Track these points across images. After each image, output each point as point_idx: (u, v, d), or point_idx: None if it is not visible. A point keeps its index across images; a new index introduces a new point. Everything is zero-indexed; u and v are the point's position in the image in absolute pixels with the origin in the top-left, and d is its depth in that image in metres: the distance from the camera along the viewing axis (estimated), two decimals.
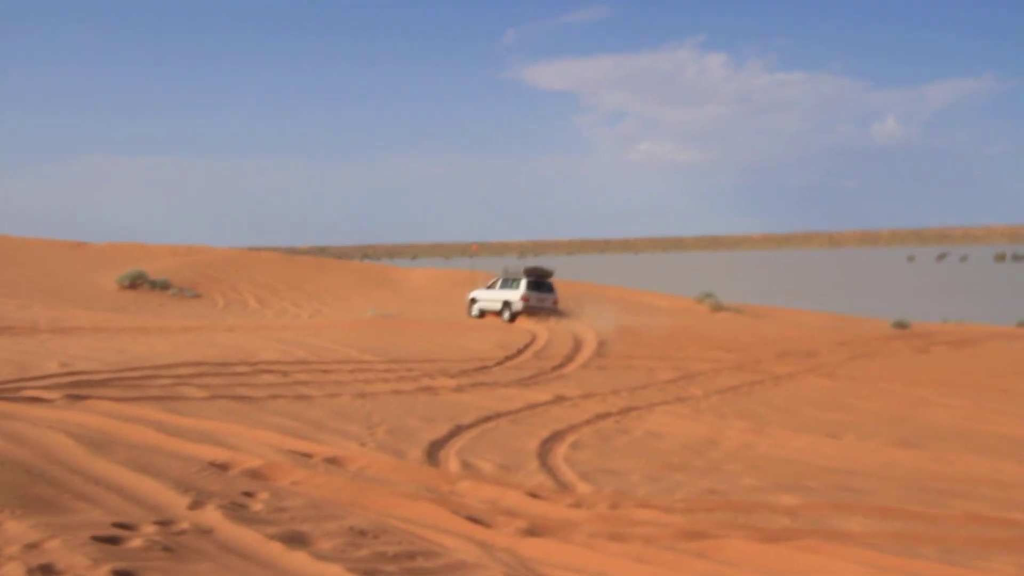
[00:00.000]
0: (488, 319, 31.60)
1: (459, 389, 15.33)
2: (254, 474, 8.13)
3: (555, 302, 31.91)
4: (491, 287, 32.72)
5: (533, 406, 14.22)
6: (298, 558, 5.49)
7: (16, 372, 14.14)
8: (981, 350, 27.46)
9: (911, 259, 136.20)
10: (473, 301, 33.15)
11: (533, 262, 58.19)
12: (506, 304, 31.33)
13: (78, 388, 12.55)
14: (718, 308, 40.66)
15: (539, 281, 31.84)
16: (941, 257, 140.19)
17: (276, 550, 5.64)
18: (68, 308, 32.88)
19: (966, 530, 8.24)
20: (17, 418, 9.92)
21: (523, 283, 31.36)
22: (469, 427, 12.13)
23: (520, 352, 20.93)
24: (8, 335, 23.00)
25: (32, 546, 4.93)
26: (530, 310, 30.81)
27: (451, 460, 10.12)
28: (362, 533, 6.38)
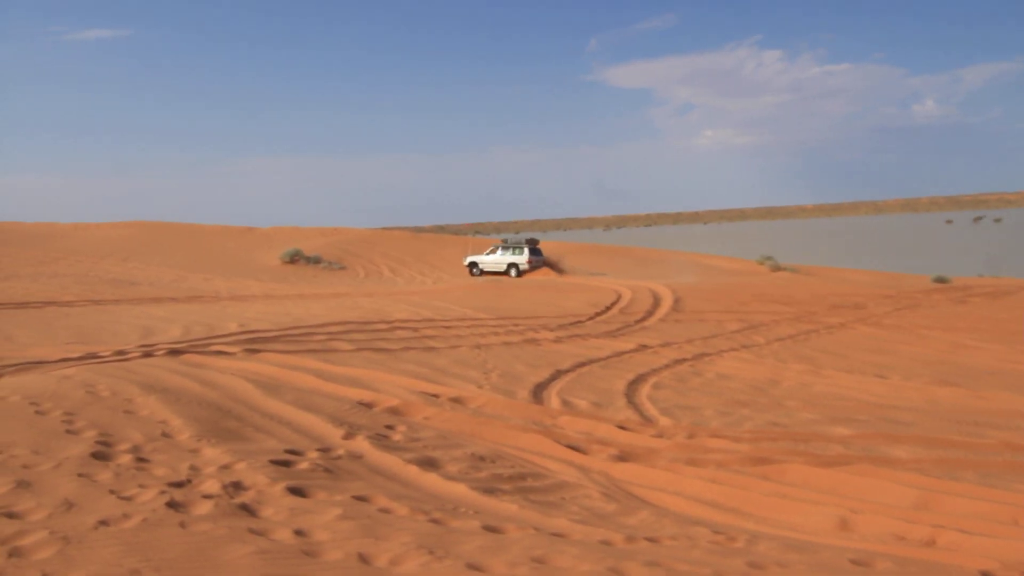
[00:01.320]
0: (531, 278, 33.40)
1: (558, 340, 15.34)
2: (393, 411, 8.33)
3: (544, 263, 36.13)
4: (491, 253, 35.99)
5: (620, 354, 14.11)
6: (431, 478, 5.62)
7: (206, 332, 14.83)
8: (1015, 300, 25.92)
9: (949, 222, 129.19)
10: (473, 264, 36.22)
11: (612, 235, 58.73)
12: (513, 265, 35.28)
13: (253, 344, 13.07)
14: (777, 268, 39.47)
15: (534, 248, 36.08)
16: (977, 220, 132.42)
17: (413, 472, 5.79)
18: (242, 280, 34.22)
19: (1002, 456, 7.85)
20: (208, 367, 10.42)
21: (527, 250, 35.55)
22: (567, 372, 12.13)
23: (608, 309, 20.78)
24: (198, 303, 24.11)
25: (225, 467, 5.19)
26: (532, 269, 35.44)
27: (553, 399, 10.16)
28: (481, 458, 6.48)
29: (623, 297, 23.50)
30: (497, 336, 15.41)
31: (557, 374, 11.85)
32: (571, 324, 17.72)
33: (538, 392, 10.54)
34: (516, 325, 16.93)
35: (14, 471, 4.85)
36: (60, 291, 27.35)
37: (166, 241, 50.99)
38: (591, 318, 18.96)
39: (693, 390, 11.38)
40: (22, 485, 4.57)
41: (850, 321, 20.10)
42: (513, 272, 35.35)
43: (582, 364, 12.79)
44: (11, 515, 4.06)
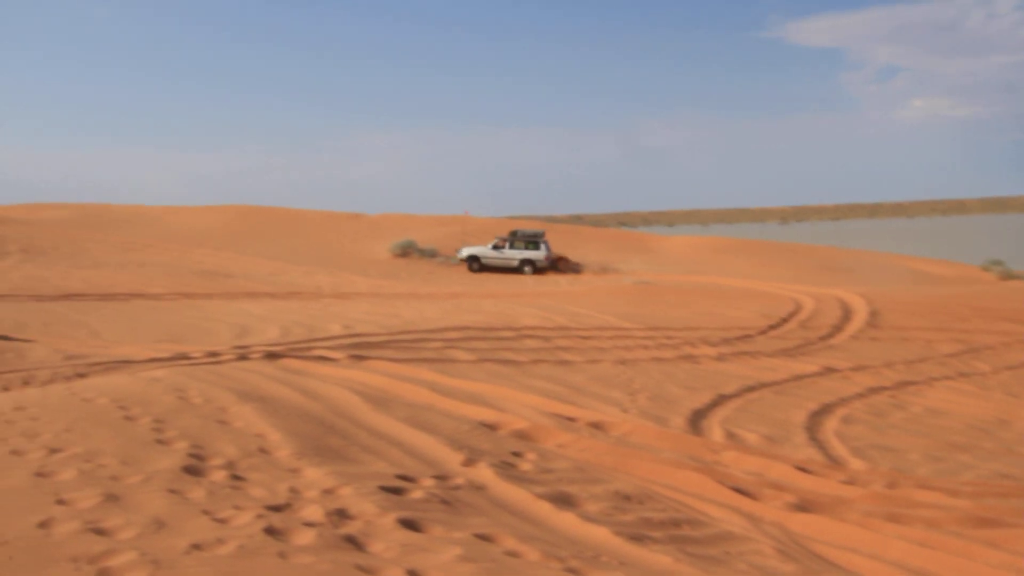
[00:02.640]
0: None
1: (720, 358, 15.05)
2: (521, 435, 8.41)
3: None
4: (497, 248, 37.95)
5: (799, 377, 13.69)
6: (567, 518, 5.63)
7: (306, 333, 15.49)
8: None
9: None
10: (473, 258, 38.18)
11: (790, 229, 58.00)
12: (528, 262, 37.51)
13: (359, 349, 13.54)
14: (1008, 277, 37.19)
15: (546, 243, 38.61)
16: None
17: (545, 509, 5.81)
18: (347, 275, 35.54)
19: None
20: (309, 375, 10.87)
21: (543, 245, 38.04)
22: (732, 396, 11.88)
23: (784, 321, 20.21)
24: (297, 299, 25.23)
25: (328, 492, 5.39)
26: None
27: (714, 429, 9.97)
28: (627, 498, 6.43)
29: (804, 307, 22.79)
30: (646, 350, 15.29)
31: (720, 399, 11.63)
32: (738, 338, 17.34)
33: (696, 420, 10.37)
34: (669, 338, 16.74)
35: (103, 483, 5.22)
36: (148, 282, 29.29)
37: (264, 228, 53.68)
38: (763, 332, 18.50)
39: (894, 427, 10.88)
40: (110, 499, 4.91)
41: None
42: (528, 269, 37.44)
43: (751, 388, 12.50)
44: (100, 531, 4.37)
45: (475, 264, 38.11)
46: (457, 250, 40.10)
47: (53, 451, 5.96)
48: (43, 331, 16.51)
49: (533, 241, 38.10)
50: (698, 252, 47.26)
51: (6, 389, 10.02)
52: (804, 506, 6.98)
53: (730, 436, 9.66)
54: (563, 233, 53.38)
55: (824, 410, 11.50)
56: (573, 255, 44.65)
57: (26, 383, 10.42)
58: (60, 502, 4.85)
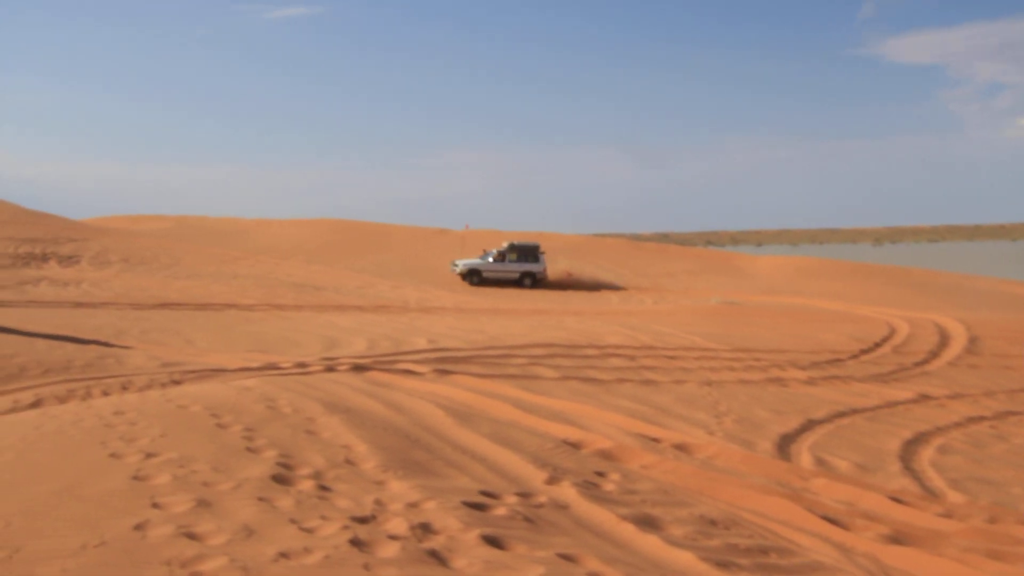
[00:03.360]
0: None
1: (810, 382, 14.70)
2: (605, 455, 8.35)
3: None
4: (499, 260, 37.80)
5: (892, 404, 13.27)
6: (650, 541, 5.55)
7: (392, 347, 15.69)
8: None
9: None
10: (474, 272, 37.79)
11: (883, 251, 56.84)
12: (529, 274, 37.66)
13: (444, 363, 13.64)
14: None
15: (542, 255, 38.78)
16: None
17: (628, 531, 5.75)
18: (433, 289, 35.91)
19: None
20: (395, 388, 11.00)
21: (542, 257, 38.24)
22: (821, 422, 11.59)
23: (877, 345, 19.64)
24: (384, 313, 25.60)
25: (412, 505, 5.43)
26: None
27: (803, 455, 9.73)
28: (713, 523, 6.32)
29: (898, 331, 22.13)
30: (732, 372, 15.04)
31: (809, 424, 11.36)
32: (828, 362, 16.93)
33: (784, 445, 10.15)
34: (757, 360, 16.44)
35: (195, 488, 5.36)
36: (241, 293, 30.06)
37: (353, 242, 54.68)
38: (855, 356, 18.01)
39: (995, 459, 10.45)
40: (202, 504, 5.04)
41: None
42: (528, 282, 37.69)
43: (841, 414, 12.17)
44: (192, 536, 4.49)
45: (475, 277, 37.89)
46: (452, 263, 39.88)
47: (149, 456, 6.15)
48: (141, 338, 17.09)
49: (532, 253, 38.19)
50: (787, 273, 46.32)
51: (106, 394, 10.40)
52: (898, 538, 6.76)
53: (820, 463, 9.42)
54: (648, 252, 53.02)
55: (919, 439, 11.12)
56: (658, 273, 44.25)
57: (125, 388, 10.80)
58: (155, 506, 4.99)
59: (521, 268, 37.67)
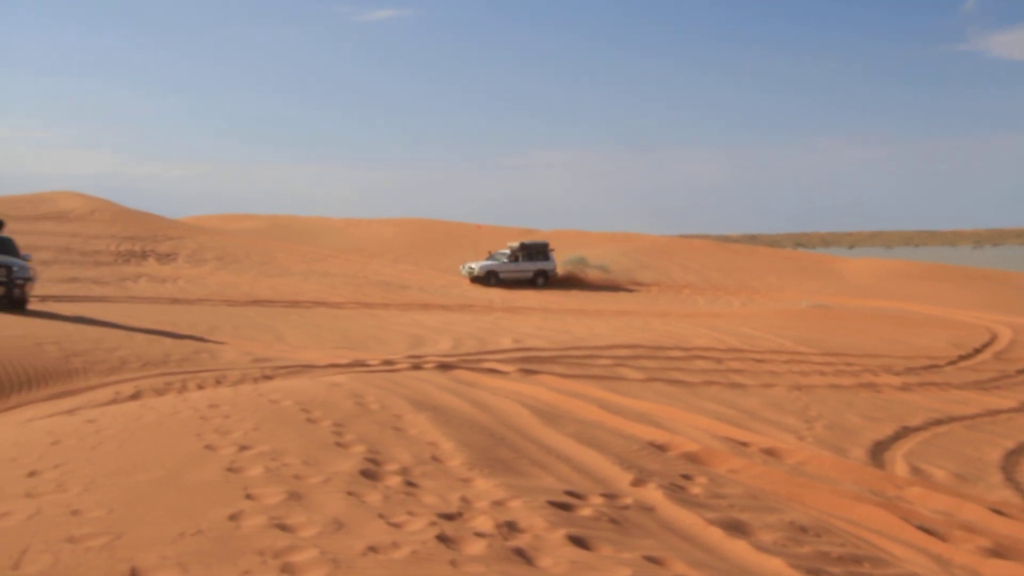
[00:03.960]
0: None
1: (905, 388, 14.27)
2: (691, 458, 8.25)
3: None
4: (513, 260, 36.80)
5: (993, 412, 12.79)
6: (739, 547, 5.46)
7: (478, 346, 15.79)
8: None
9: None
10: (492, 274, 36.38)
11: (983, 254, 54.23)
12: (542, 273, 36.96)
13: (528, 363, 13.67)
14: None
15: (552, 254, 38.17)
16: None
17: (716, 535, 5.66)
18: (518, 289, 36.01)
19: None
20: (480, 387, 11.06)
21: (552, 255, 37.70)
22: (917, 429, 11.24)
23: (977, 351, 18.95)
24: (469, 312, 25.78)
25: (498, 503, 5.44)
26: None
27: (897, 463, 9.46)
28: (803, 529, 6.18)
29: (1000, 337, 21.32)
30: (823, 376, 14.70)
31: (904, 431, 11.04)
32: (924, 368, 16.41)
33: (877, 452, 9.88)
34: (849, 364, 16.03)
35: (287, 481, 5.48)
36: (330, 291, 30.62)
37: (439, 242, 55.18)
38: (952, 362, 17.42)
39: None
40: (293, 497, 5.14)
41: None
42: (541, 281, 36.90)
43: (938, 422, 11.79)
44: (284, 528, 4.58)
45: (493, 279, 36.51)
46: (463, 266, 38.30)
47: (243, 448, 6.31)
48: (234, 334, 17.56)
49: (542, 251, 37.44)
50: (881, 275, 45.04)
51: (201, 387, 10.72)
52: (1000, 552, 6.51)
53: (915, 471, 9.14)
54: (736, 253, 52.20)
55: (1022, 449, 10.70)
56: (748, 274, 43.50)
57: (219, 382, 11.11)
58: (249, 497, 5.12)
59: (534, 267, 36.94)
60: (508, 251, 37.64)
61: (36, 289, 20.14)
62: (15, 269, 17.35)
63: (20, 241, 21.17)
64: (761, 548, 5.47)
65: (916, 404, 12.94)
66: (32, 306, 18.64)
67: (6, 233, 19.83)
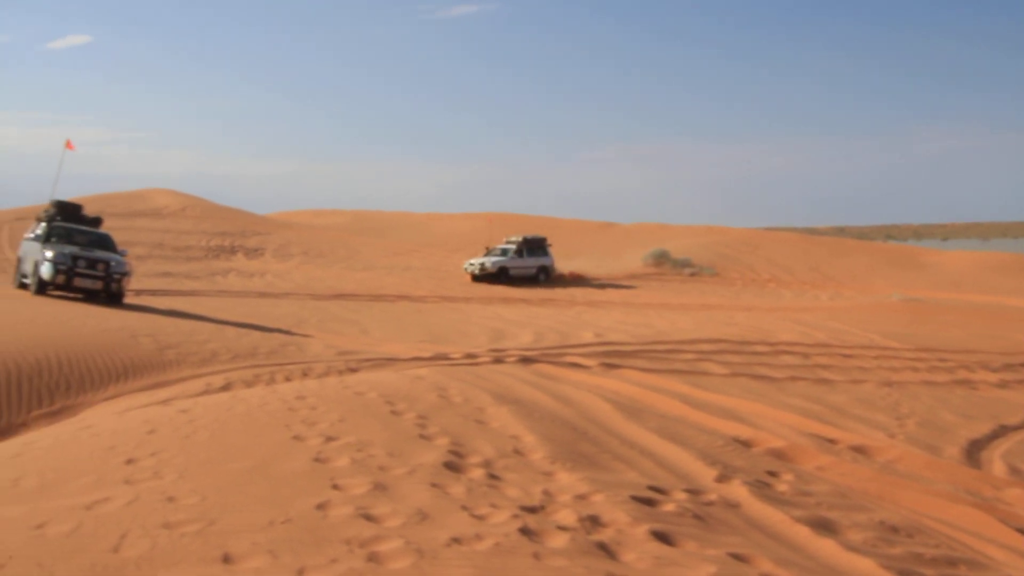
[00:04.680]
0: None
1: (1002, 385, 13.79)
2: (777, 454, 8.11)
3: None
4: (518, 256, 34.92)
5: None
6: (827, 546, 5.35)
7: (559, 340, 15.80)
8: None
9: None
10: (503, 271, 34.24)
11: None
12: (543, 269, 35.27)
13: (610, 357, 13.62)
14: None
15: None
16: None
17: (803, 534, 5.56)
18: (599, 283, 35.88)
19: None
20: (562, 380, 11.06)
21: (550, 250, 36.12)
22: (1016, 428, 10.85)
23: None
24: (550, 306, 25.79)
25: (580, 497, 5.44)
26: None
27: (995, 463, 9.14)
28: (894, 529, 6.03)
29: None
30: (915, 372, 14.30)
31: (1001, 430, 10.67)
32: (1023, 364, 15.82)
33: (973, 451, 9.57)
34: (943, 360, 15.56)
35: (372, 472, 5.57)
36: (413, 285, 30.99)
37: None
38: None
39: None
40: (379, 488, 5.23)
41: None
42: (543, 276, 35.33)
43: None
44: (369, 518, 4.66)
45: (504, 276, 34.29)
46: (468, 263, 35.76)
47: (329, 439, 6.44)
48: (319, 327, 17.92)
49: (541, 246, 35.79)
50: (977, 269, 43.53)
51: (288, 379, 10.97)
52: None
53: (1014, 472, 8.82)
54: (823, 245, 51.03)
55: None
56: (835, 268, 42.52)
57: (305, 374, 11.35)
58: (335, 487, 5.22)
59: (538, 263, 35.28)
60: (508, 246, 35.70)
61: (132, 283, 20.87)
62: (113, 264, 18.03)
63: (117, 237, 21.97)
64: (850, 547, 5.35)
65: (1015, 402, 12.49)
66: (128, 300, 19.33)
67: (104, 229, 20.61)
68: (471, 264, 35.25)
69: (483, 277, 34.35)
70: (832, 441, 9.02)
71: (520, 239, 35.98)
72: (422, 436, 6.74)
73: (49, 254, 17.65)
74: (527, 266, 35.06)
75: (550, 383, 10.69)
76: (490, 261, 34.59)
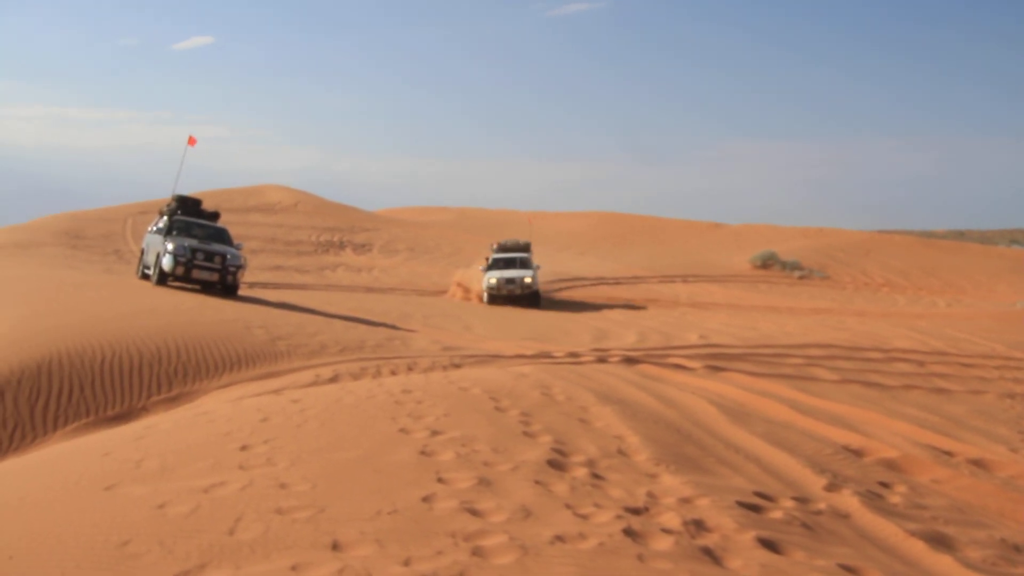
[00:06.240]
0: None
1: None
2: (889, 465, 7.86)
3: None
4: (525, 267, 27.24)
5: None
6: (943, 562, 5.16)
7: (662, 341, 15.65)
8: None
9: None
10: (527, 281, 25.98)
11: None
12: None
13: (715, 360, 13.42)
14: None
15: None
16: None
17: (918, 548, 5.38)
18: (704, 284, 35.40)
19: None
20: (665, 382, 10.96)
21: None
22: None
23: None
24: (654, 307, 25.58)
25: (685, 500, 5.39)
26: None
27: None
28: (1017, 548, 5.77)
29: None
30: None
31: None
32: None
33: None
34: None
35: (477, 467, 5.64)
36: None
37: (624, 235, 55.00)
38: None
39: None
40: (483, 483, 5.29)
41: None
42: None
43: None
44: (474, 512, 4.72)
45: (537, 299, 26.51)
46: (486, 281, 26.69)
47: (434, 433, 6.54)
48: (424, 323, 18.21)
49: (526, 251, 29.31)
50: None
51: (394, 373, 11.17)
52: None
53: None
54: (942, 249, 49.08)
55: None
56: (955, 273, 40.88)
57: (410, 369, 11.54)
58: (440, 480, 5.30)
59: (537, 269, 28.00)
60: (517, 255, 28.50)
61: (246, 276, 21.59)
62: (228, 257, 18.70)
63: (232, 231, 22.76)
64: (968, 565, 5.15)
65: None
66: (242, 292, 20.01)
67: (220, 223, 21.38)
68: (489, 282, 26.44)
69: (508, 298, 26.03)
70: (949, 453, 8.68)
71: (525, 243, 30.21)
72: (526, 433, 6.78)
73: (170, 247, 18.41)
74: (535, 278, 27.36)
75: (654, 384, 10.60)
76: (518, 275, 26.38)
